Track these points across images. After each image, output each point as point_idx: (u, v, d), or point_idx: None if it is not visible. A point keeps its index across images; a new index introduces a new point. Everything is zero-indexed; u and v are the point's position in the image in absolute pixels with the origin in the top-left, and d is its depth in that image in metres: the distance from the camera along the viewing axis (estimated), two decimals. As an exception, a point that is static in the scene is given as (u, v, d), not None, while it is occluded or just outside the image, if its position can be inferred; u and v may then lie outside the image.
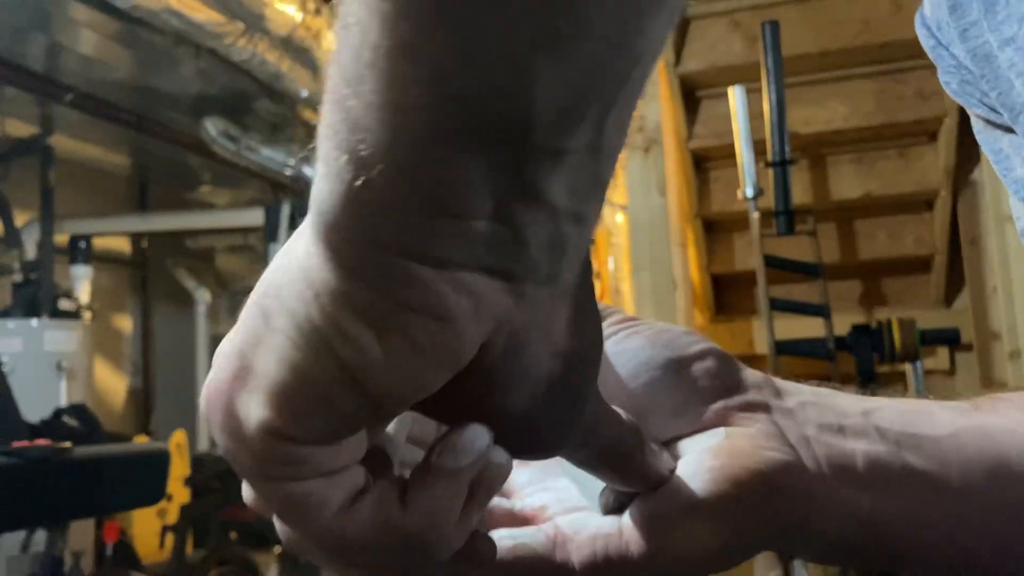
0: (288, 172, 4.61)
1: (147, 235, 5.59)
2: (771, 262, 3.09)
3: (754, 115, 3.13)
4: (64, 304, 4.41)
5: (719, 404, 0.35)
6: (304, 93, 4.43)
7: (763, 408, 0.36)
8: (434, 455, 0.27)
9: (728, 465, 0.33)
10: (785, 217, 3.09)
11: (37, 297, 4.32)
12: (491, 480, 0.28)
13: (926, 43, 0.56)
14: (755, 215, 3.12)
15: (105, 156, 5.12)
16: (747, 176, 3.15)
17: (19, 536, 3.03)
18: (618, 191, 6.92)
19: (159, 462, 2.31)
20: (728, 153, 3.27)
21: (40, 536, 3.03)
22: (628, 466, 0.32)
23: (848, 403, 0.39)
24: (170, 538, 3.52)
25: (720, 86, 3.34)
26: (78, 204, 4.98)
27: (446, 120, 0.22)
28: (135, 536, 4.22)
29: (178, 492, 4.05)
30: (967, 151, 3.20)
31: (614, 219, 6.93)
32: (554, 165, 0.23)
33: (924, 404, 0.41)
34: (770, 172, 3.09)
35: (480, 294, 0.24)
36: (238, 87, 4.29)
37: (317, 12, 3.89)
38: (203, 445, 5.18)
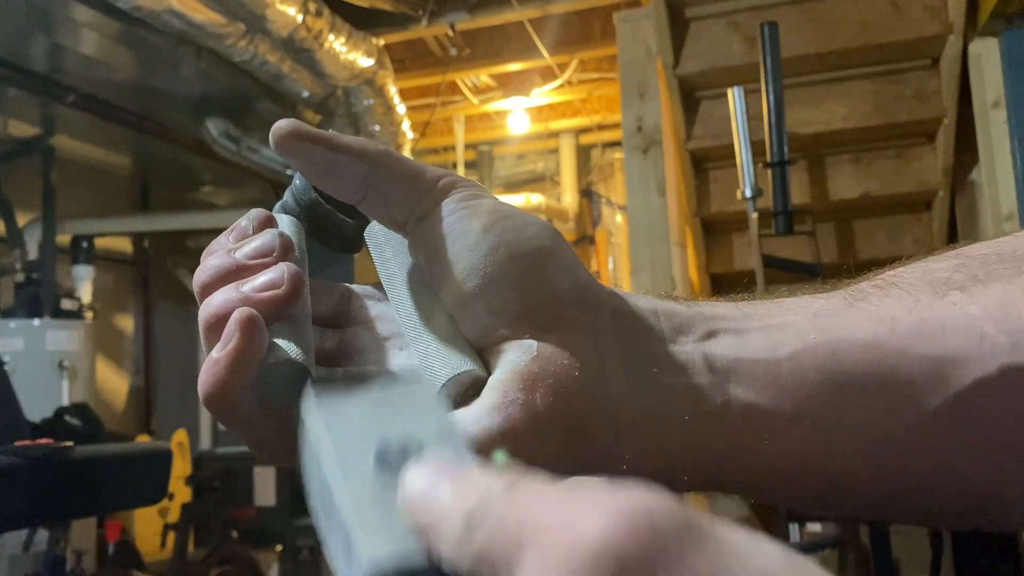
0: (288, 172, 4.62)
1: (149, 235, 5.61)
2: (770, 262, 3.09)
3: (753, 116, 3.13)
4: (66, 304, 4.42)
5: (538, 311, 0.34)
6: (305, 94, 4.44)
7: (583, 328, 0.34)
8: None
9: (527, 402, 0.32)
10: (784, 217, 3.10)
11: (39, 297, 4.33)
12: None
13: None
14: (754, 215, 3.12)
15: (107, 156, 5.14)
16: (746, 176, 3.15)
17: (21, 535, 3.04)
18: (617, 191, 6.93)
19: (161, 461, 2.31)
20: (727, 154, 3.27)
21: (42, 535, 3.04)
22: None
23: (696, 320, 0.37)
24: (172, 537, 3.52)
25: (719, 87, 3.34)
26: (80, 204, 4.99)
27: None
28: (137, 535, 4.23)
29: (180, 491, 4.05)
30: (965, 152, 3.20)
31: (614, 219, 6.94)
32: None
33: (786, 309, 0.39)
34: (769, 172, 3.09)
35: None
36: (239, 88, 4.30)
37: (318, 13, 3.89)
38: (204, 444, 5.20)
